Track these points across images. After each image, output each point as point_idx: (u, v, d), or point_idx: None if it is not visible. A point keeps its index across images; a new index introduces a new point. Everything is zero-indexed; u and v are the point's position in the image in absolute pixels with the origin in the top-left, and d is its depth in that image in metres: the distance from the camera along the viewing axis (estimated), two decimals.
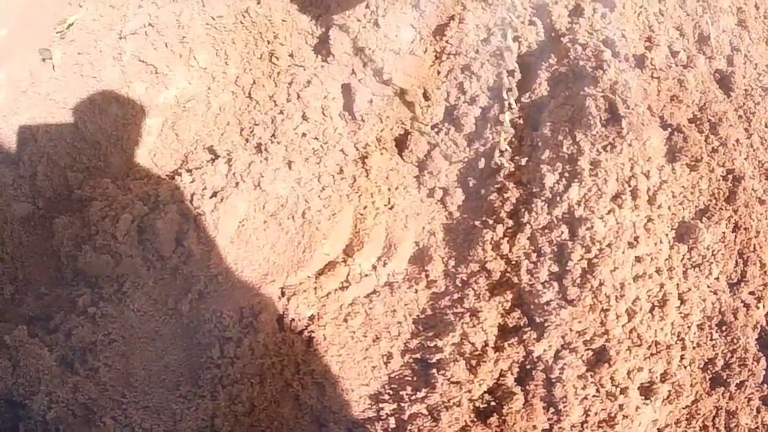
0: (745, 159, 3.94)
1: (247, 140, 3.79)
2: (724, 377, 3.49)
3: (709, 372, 3.50)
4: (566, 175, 3.52)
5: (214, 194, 3.56)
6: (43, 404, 3.11)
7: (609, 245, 3.39)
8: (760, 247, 3.74)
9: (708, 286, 3.57)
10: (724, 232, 3.64)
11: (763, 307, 3.69)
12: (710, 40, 4.27)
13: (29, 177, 3.71)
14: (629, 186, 3.49)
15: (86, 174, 3.76)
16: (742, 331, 3.56)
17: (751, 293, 3.68)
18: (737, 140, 3.94)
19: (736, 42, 4.40)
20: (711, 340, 3.54)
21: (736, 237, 3.68)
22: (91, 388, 3.20)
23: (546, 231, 3.49)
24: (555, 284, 3.39)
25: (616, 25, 3.90)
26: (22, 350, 3.19)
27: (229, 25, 3.93)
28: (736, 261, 3.68)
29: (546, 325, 3.34)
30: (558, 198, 3.49)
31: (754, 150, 4.07)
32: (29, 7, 3.93)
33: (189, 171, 3.66)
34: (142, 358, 3.35)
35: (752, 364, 3.52)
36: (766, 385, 3.50)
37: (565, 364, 3.28)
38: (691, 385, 3.42)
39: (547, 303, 3.36)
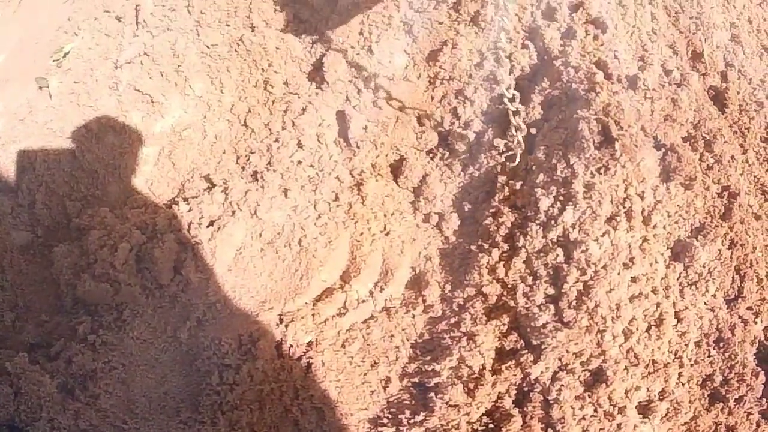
0: (741, 175, 3.96)
1: (243, 168, 3.82)
2: (723, 393, 3.51)
3: (707, 388, 3.53)
4: (561, 198, 3.55)
5: (211, 223, 3.61)
6: (45, 431, 3.16)
7: (604, 267, 3.42)
8: (757, 263, 3.76)
9: (705, 304, 3.59)
10: (720, 250, 3.66)
11: (761, 321, 3.73)
12: (704, 56, 4.30)
13: (28, 205, 3.76)
14: (624, 207, 3.51)
15: (84, 203, 3.79)
16: (740, 346, 3.59)
17: (749, 308, 3.71)
18: (732, 156, 3.95)
19: (730, 57, 4.43)
20: (709, 356, 3.56)
21: (732, 253, 3.70)
22: (92, 415, 3.25)
23: (541, 254, 3.52)
24: (551, 307, 3.42)
25: (608, 46, 3.94)
26: (23, 377, 3.24)
27: (224, 53, 3.98)
28: (733, 277, 3.70)
29: (543, 347, 3.37)
30: (553, 221, 3.52)
31: (749, 165, 4.09)
32: (25, 34, 3.98)
33: (186, 200, 3.70)
34: (142, 385, 3.39)
35: (751, 378, 3.54)
36: (765, 400, 3.52)
37: (562, 385, 3.33)
38: (689, 402, 3.45)
39: (544, 326, 3.39)
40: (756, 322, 3.70)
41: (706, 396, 3.51)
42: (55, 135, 3.81)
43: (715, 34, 4.42)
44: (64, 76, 3.87)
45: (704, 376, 3.55)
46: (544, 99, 3.85)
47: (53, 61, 3.91)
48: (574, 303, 3.40)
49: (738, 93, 4.31)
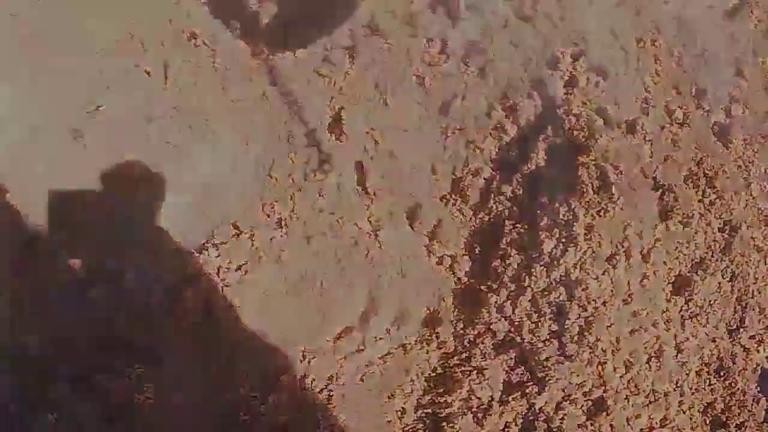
0: (744, 208, 4.33)
1: (268, 216, 4.18)
2: (724, 419, 3.95)
3: (708, 415, 3.96)
4: (563, 240, 3.94)
5: (239, 267, 4.00)
6: None
7: (604, 303, 3.84)
8: (759, 293, 4.16)
9: (706, 335, 3.99)
10: (720, 282, 4.05)
11: (764, 350, 4.13)
12: (707, 94, 4.65)
13: (67, 248, 4.02)
14: (622, 247, 3.92)
15: (121, 247, 4.05)
16: (741, 374, 3.99)
17: (752, 337, 4.12)
18: (735, 191, 4.32)
19: (735, 92, 4.78)
20: (709, 385, 3.96)
21: (733, 285, 4.09)
22: None
23: (545, 293, 3.92)
24: (555, 342, 3.84)
25: (609, 92, 4.31)
26: (64, 406, 3.56)
27: (249, 107, 4.29)
28: (735, 308, 4.10)
29: (547, 379, 3.79)
30: (556, 262, 3.91)
31: (753, 198, 4.48)
32: (59, 84, 4.23)
33: (215, 246, 4.03)
34: (175, 415, 3.75)
35: (752, 405, 3.98)
36: (766, 425, 3.92)
37: (565, 414, 3.78)
38: (691, 429, 3.88)
39: (547, 359, 3.82)
40: (758, 351, 4.10)
41: (707, 422, 3.93)
42: (91, 183, 4.09)
43: (719, 71, 4.77)
44: (97, 127, 4.14)
45: (705, 404, 3.96)
46: (548, 147, 4.22)
47: (87, 112, 4.17)
48: (576, 338, 3.85)
49: (742, 127, 4.68)
